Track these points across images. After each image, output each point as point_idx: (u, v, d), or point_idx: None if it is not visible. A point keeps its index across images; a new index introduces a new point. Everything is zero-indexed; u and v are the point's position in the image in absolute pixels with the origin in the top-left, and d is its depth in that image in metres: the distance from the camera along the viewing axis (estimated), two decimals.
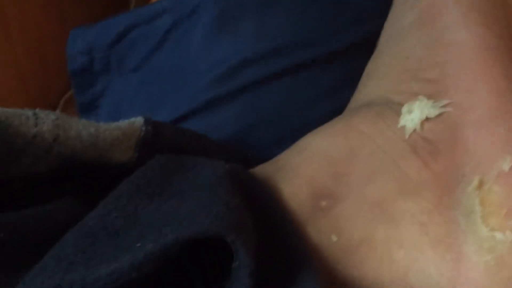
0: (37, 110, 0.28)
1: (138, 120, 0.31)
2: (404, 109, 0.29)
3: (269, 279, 0.26)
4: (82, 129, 0.29)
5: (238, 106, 0.40)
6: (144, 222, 0.25)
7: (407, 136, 0.29)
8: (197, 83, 0.41)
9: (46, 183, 0.29)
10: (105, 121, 0.31)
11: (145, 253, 0.23)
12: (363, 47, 0.36)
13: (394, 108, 0.30)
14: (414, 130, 0.29)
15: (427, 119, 0.28)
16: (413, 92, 0.30)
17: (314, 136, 0.31)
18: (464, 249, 0.26)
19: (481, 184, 0.26)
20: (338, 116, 0.33)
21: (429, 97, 0.29)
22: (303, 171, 0.30)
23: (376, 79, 0.33)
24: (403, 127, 0.29)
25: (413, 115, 0.29)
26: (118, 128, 0.30)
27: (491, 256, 0.26)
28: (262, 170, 0.31)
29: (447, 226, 0.27)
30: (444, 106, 0.28)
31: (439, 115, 0.28)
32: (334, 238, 0.28)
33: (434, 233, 0.27)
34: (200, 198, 0.26)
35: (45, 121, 0.28)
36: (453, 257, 0.26)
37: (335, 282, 0.27)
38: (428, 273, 0.26)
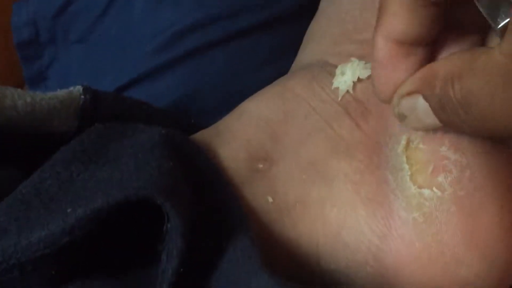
0: None
1: (77, 89, 0.31)
2: (337, 70, 0.29)
3: (205, 241, 0.26)
4: (18, 98, 0.29)
5: (181, 73, 0.40)
6: (78, 188, 0.26)
7: (340, 98, 0.29)
8: (139, 52, 0.41)
9: None
10: None
11: (76, 218, 0.24)
12: (306, 11, 0.36)
13: (329, 70, 0.30)
14: (347, 92, 0.29)
15: (359, 80, 0.29)
16: (348, 54, 0.30)
17: (252, 100, 0.31)
18: (393, 206, 0.27)
19: (408, 143, 0.27)
20: None
21: (362, 58, 0.29)
22: (241, 134, 0.30)
23: (315, 42, 0.33)
24: (337, 89, 0.29)
25: (346, 76, 0.29)
26: (55, 97, 0.30)
27: (419, 213, 0.26)
28: (202, 135, 0.32)
29: (377, 185, 0.27)
30: None
31: (371, 76, 0.29)
32: (270, 199, 0.28)
33: (366, 192, 0.27)
34: (134, 163, 0.26)
35: None
36: (383, 215, 0.27)
37: (272, 243, 0.28)
38: (360, 230, 0.27)
